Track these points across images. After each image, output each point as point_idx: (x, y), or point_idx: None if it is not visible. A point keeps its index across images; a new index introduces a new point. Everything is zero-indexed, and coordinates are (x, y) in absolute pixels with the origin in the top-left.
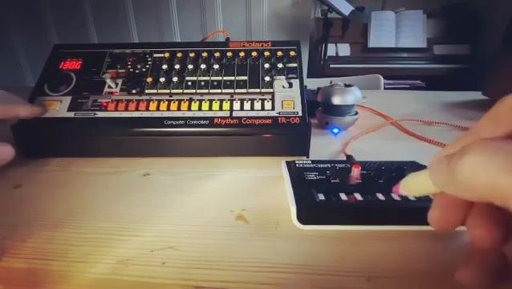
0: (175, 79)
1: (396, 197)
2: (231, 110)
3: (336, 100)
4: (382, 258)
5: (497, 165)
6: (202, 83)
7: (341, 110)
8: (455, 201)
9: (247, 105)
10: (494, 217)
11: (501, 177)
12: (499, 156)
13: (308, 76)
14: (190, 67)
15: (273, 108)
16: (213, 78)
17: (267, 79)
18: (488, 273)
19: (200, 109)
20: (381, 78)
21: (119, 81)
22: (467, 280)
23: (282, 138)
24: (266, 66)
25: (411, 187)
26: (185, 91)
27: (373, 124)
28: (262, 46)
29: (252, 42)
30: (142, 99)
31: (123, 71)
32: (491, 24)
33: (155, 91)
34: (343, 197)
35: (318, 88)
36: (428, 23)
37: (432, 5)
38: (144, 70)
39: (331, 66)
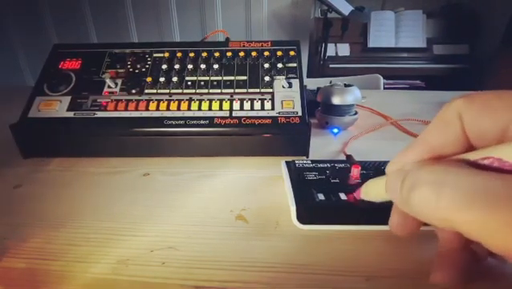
0: (175, 78)
1: None
2: (231, 110)
3: (336, 100)
4: (381, 258)
5: (446, 202)
6: (202, 82)
7: (341, 110)
8: None
9: (247, 105)
10: None
11: (450, 213)
12: (447, 192)
13: (308, 76)
14: (190, 66)
15: (272, 108)
16: (212, 78)
17: (267, 78)
18: (460, 271)
19: (199, 109)
20: (381, 78)
21: (119, 81)
22: (441, 282)
23: (282, 138)
24: (266, 66)
25: (370, 193)
26: (185, 90)
27: (373, 124)
28: (262, 46)
29: (252, 41)
30: (142, 99)
31: (123, 70)
32: (490, 24)
33: (154, 90)
34: (343, 196)
35: (318, 88)
36: (427, 23)
37: (431, 5)
38: (143, 70)
39: (331, 66)
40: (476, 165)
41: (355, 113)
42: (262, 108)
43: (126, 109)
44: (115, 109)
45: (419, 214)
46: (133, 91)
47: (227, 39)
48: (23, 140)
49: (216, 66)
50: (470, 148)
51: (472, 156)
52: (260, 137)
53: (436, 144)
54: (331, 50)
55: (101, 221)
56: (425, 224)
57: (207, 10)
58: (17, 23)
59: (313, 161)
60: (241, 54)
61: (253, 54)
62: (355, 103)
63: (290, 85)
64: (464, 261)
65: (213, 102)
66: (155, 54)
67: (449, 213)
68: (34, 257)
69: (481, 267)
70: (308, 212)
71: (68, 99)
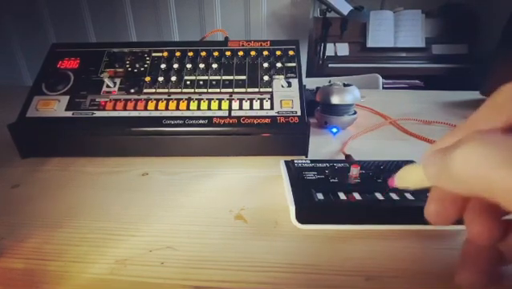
0: (173, 78)
1: (394, 196)
2: (230, 109)
3: (335, 100)
4: (381, 257)
5: (491, 159)
6: (201, 82)
7: (340, 109)
8: (451, 195)
9: (246, 104)
10: (492, 214)
11: (493, 171)
12: (494, 150)
13: (307, 76)
14: (189, 66)
15: (272, 108)
16: (211, 77)
17: (266, 78)
18: (485, 271)
19: (198, 109)
20: (380, 77)
21: (118, 80)
22: (467, 282)
23: (281, 137)
24: (265, 65)
25: (405, 179)
26: (184, 90)
27: (372, 124)
28: (261, 45)
29: (251, 41)
30: (140, 99)
31: (122, 70)
32: (489, 23)
33: (153, 90)
34: (342, 196)
35: (317, 88)
36: (426, 23)
37: (430, 4)
38: (142, 69)
39: (330, 65)
40: None
41: (354, 113)
42: (261, 108)
43: (124, 109)
44: (114, 109)
45: (458, 178)
46: (132, 91)
47: (226, 39)
48: (21, 139)
49: (215, 65)
50: None
51: None
52: (259, 137)
53: (484, 128)
54: (330, 49)
55: (99, 221)
56: (458, 222)
57: (206, 10)
58: (15, 22)
59: (312, 161)
60: (240, 53)
61: (253, 53)
62: (354, 103)
63: (290, 85)
64: (490, 261)
65: (212, 101)
66: (154, 54)
67: (488, 171)
68: (32, 257)
69: (506, 271)
70: (307, 212)
71: (66, 98)
